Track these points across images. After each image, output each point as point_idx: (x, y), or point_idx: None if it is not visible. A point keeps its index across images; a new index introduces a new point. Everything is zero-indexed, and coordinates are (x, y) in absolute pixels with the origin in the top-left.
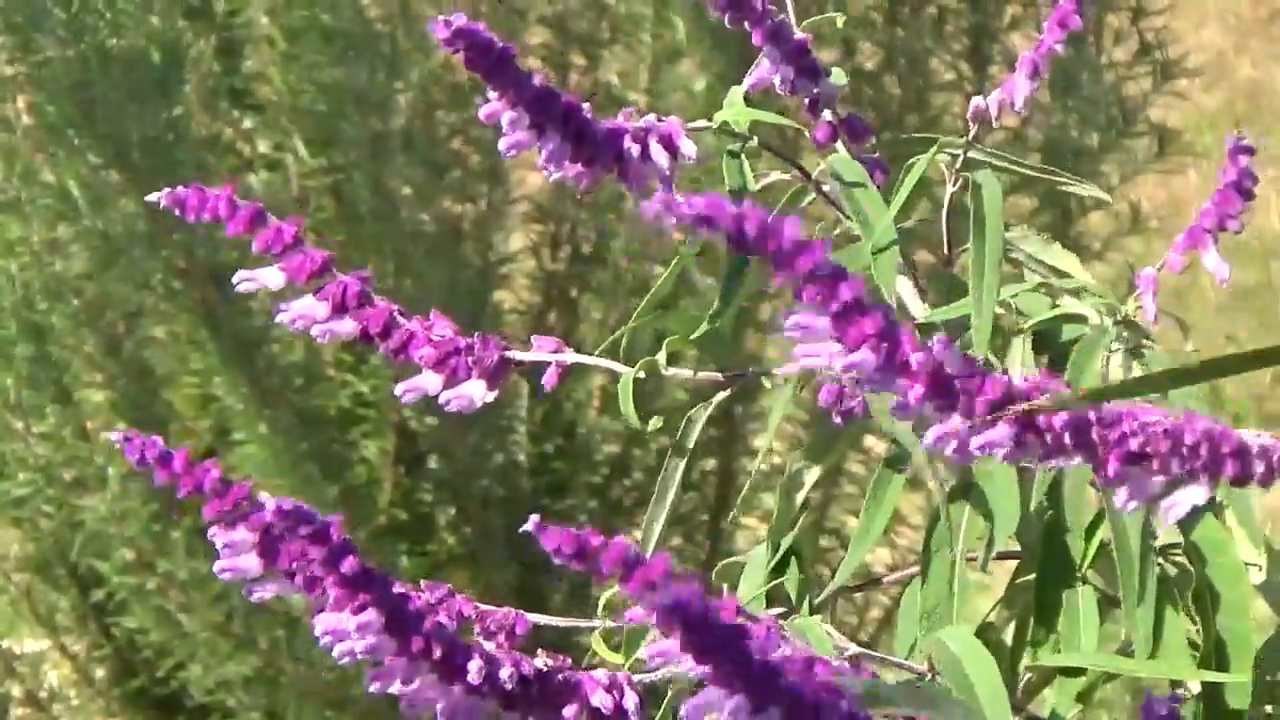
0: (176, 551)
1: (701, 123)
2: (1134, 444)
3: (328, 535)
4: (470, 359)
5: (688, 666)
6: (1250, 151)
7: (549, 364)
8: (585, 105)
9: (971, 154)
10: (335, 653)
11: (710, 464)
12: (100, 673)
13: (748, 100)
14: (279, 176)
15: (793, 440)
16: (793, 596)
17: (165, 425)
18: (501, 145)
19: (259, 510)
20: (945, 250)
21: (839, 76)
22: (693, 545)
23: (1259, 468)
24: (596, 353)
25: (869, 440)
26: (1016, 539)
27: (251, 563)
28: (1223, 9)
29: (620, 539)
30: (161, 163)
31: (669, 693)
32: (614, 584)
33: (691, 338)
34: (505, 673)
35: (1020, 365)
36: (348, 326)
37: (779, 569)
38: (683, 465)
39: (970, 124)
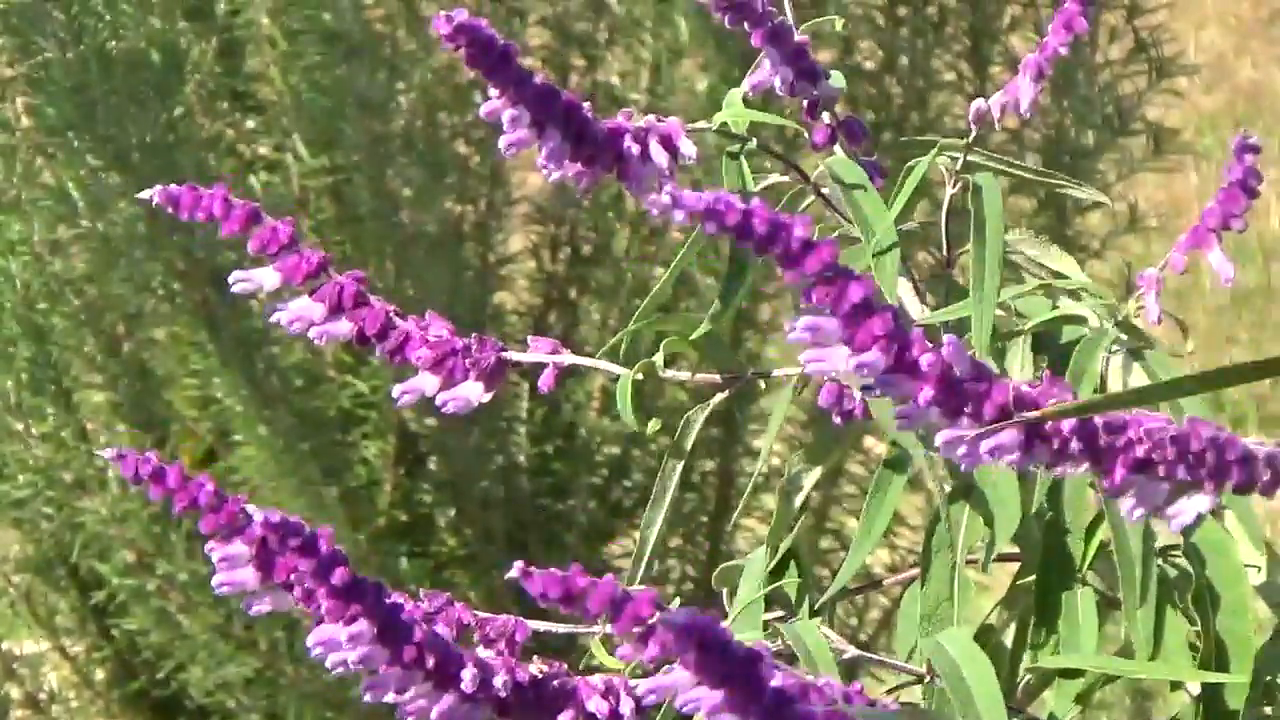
0: (176, 553)
1: (702, 124)
2: (1140, 451)
3: (316, 546)
4: (467, 360)
5: (692, 696)
6: (1256, 150)
7: (547, 365)
8: (586, 104)
9: (971, 156)
10: (328, 663)
11: (710, 465)
12: (100, 674)
13: (747, 102)
14: (280, 177)
15: (792, 441)
16: (792, 599)
17: (165, 426)
18: (502, 143)
19: (253, 524)
20: (944, 252)
21: (838, 79)
22: (692, 546)
23: (1265, 475)
24: (598, 355)
25: (869, 441)
26: (1015, 541)
27: (248, 576)
28: (1223, 10)
29: (608, 578)
30: (162, 164)
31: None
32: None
33: (691, 339)
34: (500, 680)
35: (1020, 367)
36: (344, 328)
37: (778, 571)
38: (680, 467)
39: (971, 126)
